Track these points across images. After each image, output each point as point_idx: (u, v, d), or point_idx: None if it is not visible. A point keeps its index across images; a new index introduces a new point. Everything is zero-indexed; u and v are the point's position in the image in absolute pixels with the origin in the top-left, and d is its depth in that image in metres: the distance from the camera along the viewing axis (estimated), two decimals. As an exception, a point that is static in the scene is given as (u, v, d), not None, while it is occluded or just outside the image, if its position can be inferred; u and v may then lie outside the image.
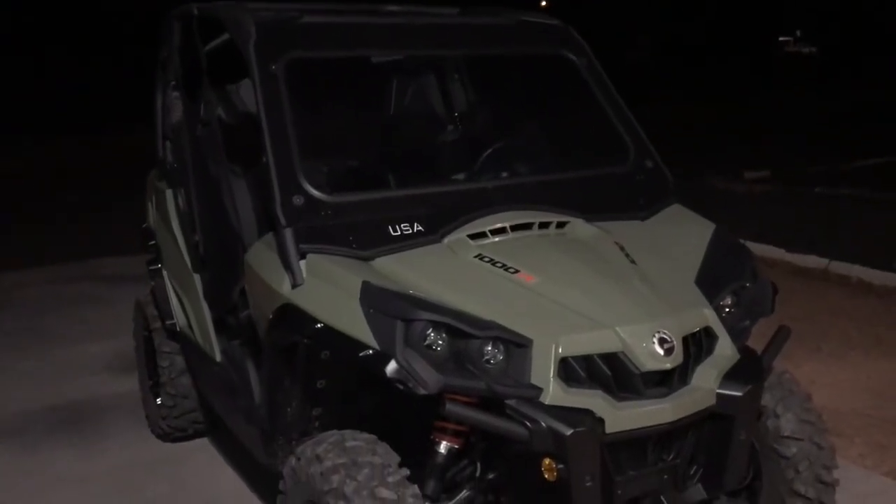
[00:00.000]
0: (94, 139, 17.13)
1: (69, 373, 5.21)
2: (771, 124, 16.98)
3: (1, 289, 7.12)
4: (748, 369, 2.57)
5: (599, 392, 2.35)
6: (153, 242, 4.20)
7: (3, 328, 6.14)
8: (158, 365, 4.07)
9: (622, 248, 2.82)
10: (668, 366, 2.38)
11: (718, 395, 2.47)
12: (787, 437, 2.81)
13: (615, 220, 3.04)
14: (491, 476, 2.57)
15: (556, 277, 2.56)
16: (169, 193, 3.93)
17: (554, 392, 2.30)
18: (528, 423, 2.28)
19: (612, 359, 2.38)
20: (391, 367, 2.27)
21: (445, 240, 2.76)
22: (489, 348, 2.35)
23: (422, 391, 2.26)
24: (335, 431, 2.51)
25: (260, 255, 2.89)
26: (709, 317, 2.59)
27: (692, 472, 2.57)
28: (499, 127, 3.90)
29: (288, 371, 2.79)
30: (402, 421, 2.65)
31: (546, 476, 2.31)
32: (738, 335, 2.67)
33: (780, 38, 43.32)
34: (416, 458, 2.50)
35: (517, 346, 2.35)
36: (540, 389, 2.31)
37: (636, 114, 3.41)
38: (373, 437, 2.49)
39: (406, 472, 2.38)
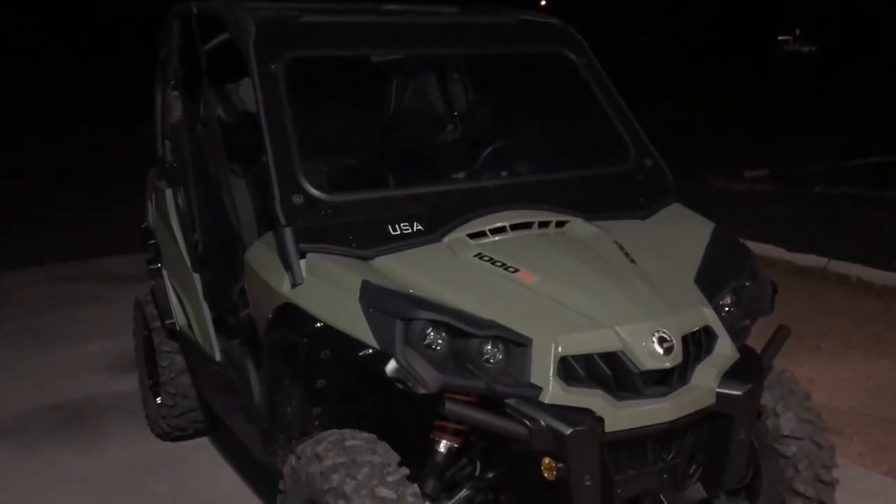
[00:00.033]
0: (94, 139, 17.12)
1: (69, 372, 5.21)
2: (770, 123, 16.97)
3: (1, 288, 7.12)
4: (748, 368, 2.57)
5: (599, 391, 2.35)
6: (153, 242, 4.20)
7: (2, 328, 6.14)
8: (158, 364, 4.07)
9: (622, 248, 2.82)
10: (668, 365, 2.38)
11: (718, 394, 2.47)
12: (787, 436, 2.81)
13: (615, 220, 3.04)
14: (490, 475, 2.58)
15: (556, 277, 2.57)
16: (168, 193, 3.93)
17: (553, 391, 2.31)
18: (528, 423, 2.28)
19: (611, 358, 2.38)
20: (391, 366, 2.27)
21: (445, 239, 2.76)
22: (489, 347, 2.36)
23: (421, 390, 2.26)
24: (335, 430, 2.51)
25: (260, 254, 2.89)
26: (708, 316, 2.59)
27: (692, 471, 2.57)
28: (498, 126, 3.90)
29: (288, 370, 2.79)
30: (402, 420, 2.65)
31: (546, 475, 2.31)
32: (737, 334, 2.68)
33: (780, 37, 43.32)
34: (415, 458, 2.50)
35: (517, 345, 2.36)
36: (539, 388, 2.31)
37: (636, 113, 3.41)
38: (372, 436, 2.49)
39: (406, 471, 2.38)
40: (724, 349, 2.58)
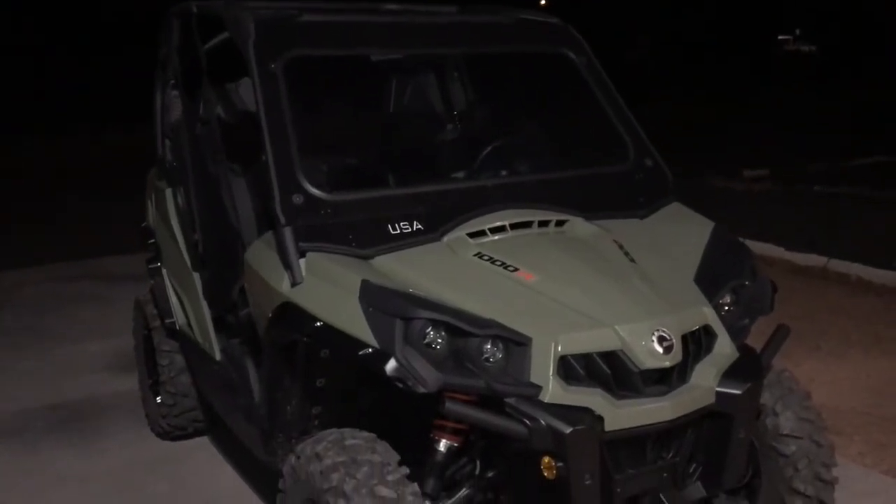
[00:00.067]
0: (93, 138, 17.12)
1: (69, 372, 5.21)
2: (770, 123, 16.97)
3: (1, 288, 7.12)
4: (747, 367, 2.57)
5: (599, 390, 2.35)
6: (152, 241, 4.20)
7: (2, 327, 6.14)
8: (158, 364, 4.07)
9: (621, 247, 2.82)
10: (668, 364, 2.38)
11: (718, 393, 2.47)
12: (787, 436, 2.81)
13: (614, 219, 3.04)
14: (490, 474, 2.58)
15: (556, 276, 2.57)
16: (168, 192, 3.93)
17: (553, 390, 2.31)
18: (528, 422, 2.28)
19: (611, 357, 2.38)
20: (391, 365, 2.27)
21: (445, 238, 2.76)
22: (488, 346, 2.36)
23: (421, 389, 2.26)
24: (335, 430, 2.51)
25: (259, 253, 2.89)
26: (708, 315, 2.59)
27: (691, 470, 2.57)
28: (498, 125, 3.90)
29: (287, 369, 2.79)
30: (402, 419, 2.65)
31: (545, 474, 2.31)
32: (737, 333, 2.68)
33: (780, 37, 43.28)
34: (415, 457, 2.50)
35: (516, 344, 2.36)
36: (539, 388, 2.31)
37: (635, 112, 3.41)
38: (372, 435, 2.49)
39: (405, 470, 2.39)
40: (724, 348, 2.58)
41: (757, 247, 6.58)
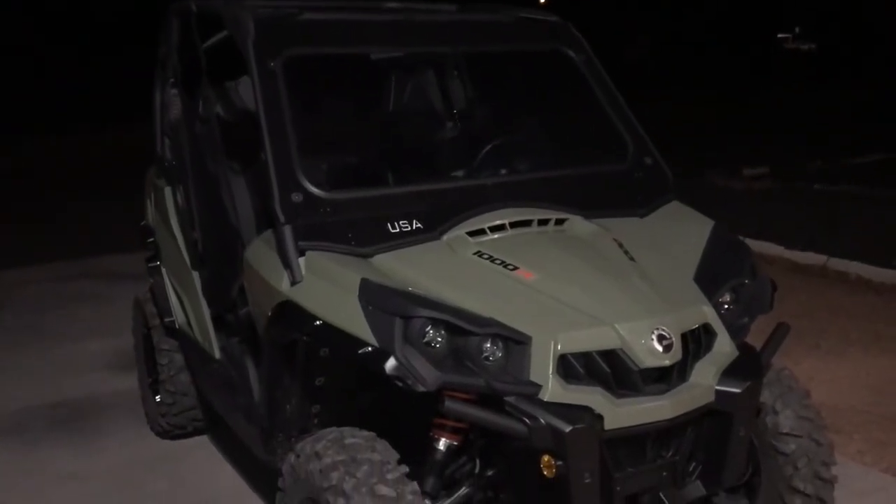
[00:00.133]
0: (93, 138, 17.13)
1: (69, 370, 5.21)
2: (770, 121, 16.97)
3: (1, 286, 7.12)
4: (747, 366, 2.57)
5: (598, 389, 2.35)
6: (152, 240, 4.20)
7: (3, 326, 6.14)
8: (157, 362, 4.08)
9: (621, 245, 2.82)
10: (667, 363, 2.38)
11: (717, 391, 2.47)
12: (786, 434, 2.81)
13: (614, 217, 3.04)
14: (490, 473, 2.58)
15: (555, 274, 2.57)
16: (168, 191, 3.93)
17: (553, 389, 2.30)
18: (528, 420, 2.28)
19: (610, 356, 2.38)
20: (390, 364, 2.27)
21: (444, 237, 2.76)
22: (488, 345, 2.35)
23: (421, 388, 2.26)
24: (334, 428, 2.51)
25: (259, 252, 2.89)
26: (708, 314, 2.59)
27: (691, 468, 2.57)
28: (498, 124, 3.90)
29: (287, 368, 2.79)
30: (402, 418, 2.65)
31: (545, 473, 2.31)
32: (736, 332, 2.68)
33: (779, 35, 43.26)
34: (415, 455, 2.50)
35: (516, 342, 2.36)
36: (539, 386, 2.31)
37: (635, 111, 3.40)
38: (372, 434, 2.49)
39: (405, 468, 2.38)
40: (724, 347, 2.58)
41: (756, 245, 6.58)
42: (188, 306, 3.73)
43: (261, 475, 3.59)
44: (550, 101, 3.98)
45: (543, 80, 3.87)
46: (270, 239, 2.77)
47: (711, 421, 2.53)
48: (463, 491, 2.60)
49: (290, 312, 2.61)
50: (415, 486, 2.36)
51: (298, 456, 2.49)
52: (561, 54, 3.46)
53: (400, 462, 2.40)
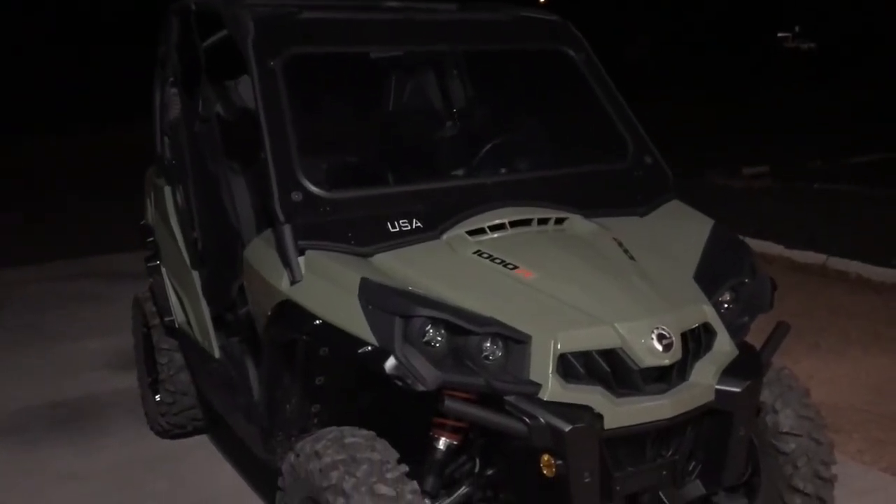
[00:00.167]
0: (93, 138, 17.14)
1: (69, 370, 5.21)
2: (770, 121, 16.98)
3: (1, 286, 7.12)
4: (747, 365, 2.57)
5: (598, 388, 2.35)
6: (152, 239, 4.20)
7: (3, 325, 6.15)
8: (157, 362, 4.07)
9: (621, 245, 2.82)
10: (667, 362, 2.38)
11: (717, 391, 2.47)
12: (786, 433, 2.81)
13: (614, 217, 3.04)
14: (490, 472, 2.58)
15: (555, 273, 2.56)
16: (167, 190, 3.93)
17: (553, 388, 2.30)
18: (527, 420, 2.28)
19: (610, 355, 2.38)
20: (390, 363, 2.27)
21: (444, 236, 2.76)
22: (488, 344, 2.35)
23: (420, 387, 2.26)
24: (334, 428, 2.51)
25: (258, 251, 2.89)
26: (707, 313, 2.59)
27: (691, 468, 2.57)
28: (497, 123, 3.89)
29: (287, 368, 2.79)
30: (401, 417, 2.65)
31: (545, 472, 2.31)
32: (736, 331, 2.68)
33: (779, 34, 43.26)
34: (415, 455, 2.50)
35: (516, 342, 2.36)
36: (539, 385, 2.31)
37: (635, 111, 3.40)
38: (372, 433, 2.49)
39: (405, 468, 2.38)
40: (724, 346, 2.57)
41: (756, 244, 6.58)
42: (188, 306, 3.73)
43: (261, 474, 3.59)
44: (550, 100, 3.98)
45: (543, 79, 3.87)
46: (270, 238, 2.77)
47: (711, 420, 2.53)
48: (463, 490, 2.59)
49: (289, 312, 2.61)
50: (414, 485, 2.36)
51: (298, 455, 2.49)
52: (561, 53, 3.46)
53: (400, 461, 2.40)
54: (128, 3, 23.36)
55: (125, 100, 14.20)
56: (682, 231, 3.03)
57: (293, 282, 2.60)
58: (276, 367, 2.82)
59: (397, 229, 2.72)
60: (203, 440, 4.22)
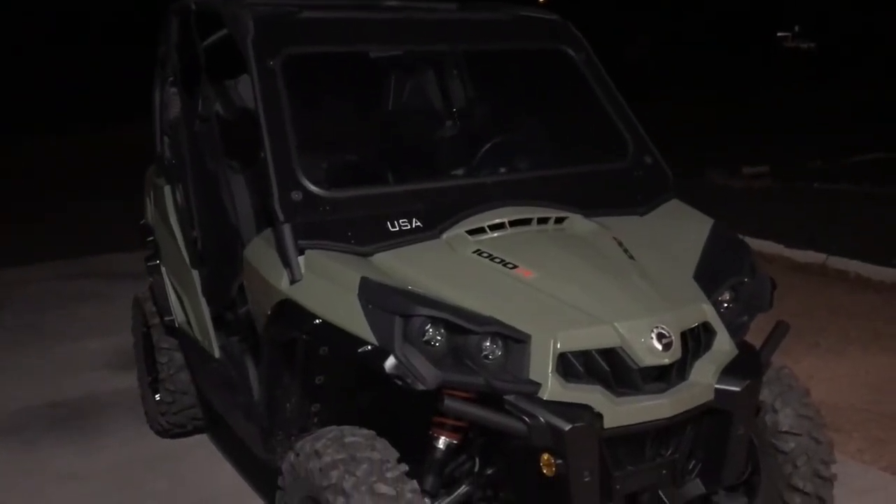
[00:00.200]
0: (93, 137, 17.14)
1: (69, 369, 5.21)
2: (769, 120, 16.98)
3: (1, 285, 7.12)
4: (746, 364, 2.57)
5: (598, 387, 2.35)
6: (151, 239, 4.20)
7: (3, 325, 6.15)
8: (157, 361, 4.08)
9: (620, 244, 2.82)
10: (667, 361, 2.38)
11: (717, 390, 2.47)
12: (786, 433, 2.81)
13: (614, 216, 3.04)
14: (489, 471, 2.58)
15: (555, 273, 2.56)
16: (167, 189, 3.93)
17: (552, 387, 2.30)
18: (527, 419, 2.28)
19: (610, 354, 2.38)
20: (390, 362, 2.27)
21: (444, 235, 2.76)
22: (488, 344, 2.35)
23: (420, 387, 2.26)
24: (334, 427, 2.51)
25: (258, 250, 2.89)
26: (707, 312, 2.59)
27: (690, 467, 2.57)
28: (497, 122, 3.89)
29: (287, 367, 2.79)
30: (401, 416, 2.65)
31: (545, 471, 2.31)
32: (736, 330, 2.68)
33: (779, 34, 43.23)
34: (414, 454, 2.50)
35: (516, 341, 2.36)
36: (538, 385, 2.31)
37: (635, 111, 3.40)
38: (371, 432, 2.49)
39: (405, 467, 2.39)
40: (723, 345, 2.57)
41: (756, 244, 6.59)
42: (188, 305, 3.73)
43: (260, 474, 3.59)
44: (550, 99, 3.98)
45: (543, 78, 3.86)
46: (270, 237, 2.77)
47: (711, 419, 2.53)
48: (462, 489, 2.59)
49: (289, 311, 2.61)
50: (414, 484, 2.37)
51: (298, 454, 2.49)
52: (560, 53, 3.46)
53: (399, 461, 2.40)
54: (128, 3, 23.35)
55: (125, 100, 14.20)
56: (681, 230, 3.03)
57: (293, 281, 2.60)
58: (275, 366, 2.82)
59: (397, 229, 2.72)
60: (203, 439, 4.22)
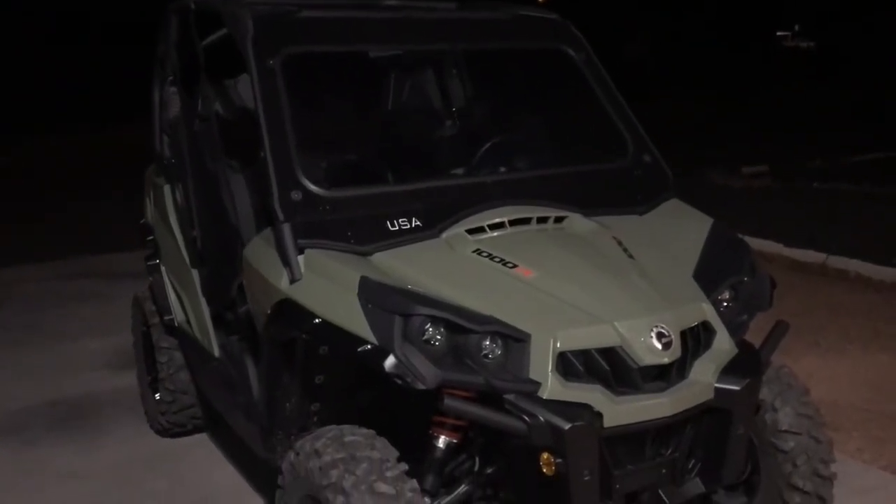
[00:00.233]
0: (93, 137, 17.13)
1: (69, 369, 5.21)
2: (769, 120, 16.96)
3: (1, 285, 7.12)
4: (746, 363, 2.58)
5: (598, 386, 2.35)
6: (151, 238, 4.20)
7: (3, 324, 6.15)
8: (157, 361, 4.08)
9: (620, 243, 2.82)
10: (666, 360, 2.38)
11: (716, 389, 2.48)
12: (785, 432, 2.81)
13: (613, 215, 3.04)
14: (489, 470, 2.58)
15: (555, 272, 2.57)
16: (167, 189, 3.93)
17: (552, 386, 2.31)
18: (527, 418, 2.28)
19: (610, 353, 2.38)
20: (389, 361, 2.27)
21: (443, 235, 2.76)
22: (487, 343, 2.36)
23: (420, 386, 2.26)
24: (334, 426, 2.52)
25: (258, 250, 2.89)
26: (707, 311, 2.59)
27: (690, 466, 2.57)
28: (497, 122, 3.90)
29: (286, 366, 2.79)
30: (401, 416, 2.65)
31: (544, 470, 2.31)
32: (736, 329, 2.68)
33: (778, 33, 43.21)
34: (414, 453, 2.50)
35: (515, 340, 2.36)
36: (538, 384, 2.31)
37: (635, 110, 3.40)
38: (371, 431, 2.49)
39: (405, 466, 2.39)
40: (723, 344, 2.58)
41: (756, 243, 6.59)
42: (187, 304, 3.73)
43: (260, 473, 3.60)
44: (550, 99, 3.98)
45: (543, 78, 3.86)
46: (270, 237, 2.77)
47: (711, 418, 2.53)
48: (462, 489, 2.60)
49: (289, 310, 2.61)
50: (414, 483, 2.37)
51: (298, 454, 2.49)
52: (560, 52, 3.46)
53: (399, 460, 2.40)
54: (128, 3, 23.34)
55: (125, 100, 14.17)
56: (681, 229, 3.03)
57: (293, 280, 2.60)
58: (275, 365, 2.82)
59: (397, 228, 2.72)
60: (203, 439, 4.22)
